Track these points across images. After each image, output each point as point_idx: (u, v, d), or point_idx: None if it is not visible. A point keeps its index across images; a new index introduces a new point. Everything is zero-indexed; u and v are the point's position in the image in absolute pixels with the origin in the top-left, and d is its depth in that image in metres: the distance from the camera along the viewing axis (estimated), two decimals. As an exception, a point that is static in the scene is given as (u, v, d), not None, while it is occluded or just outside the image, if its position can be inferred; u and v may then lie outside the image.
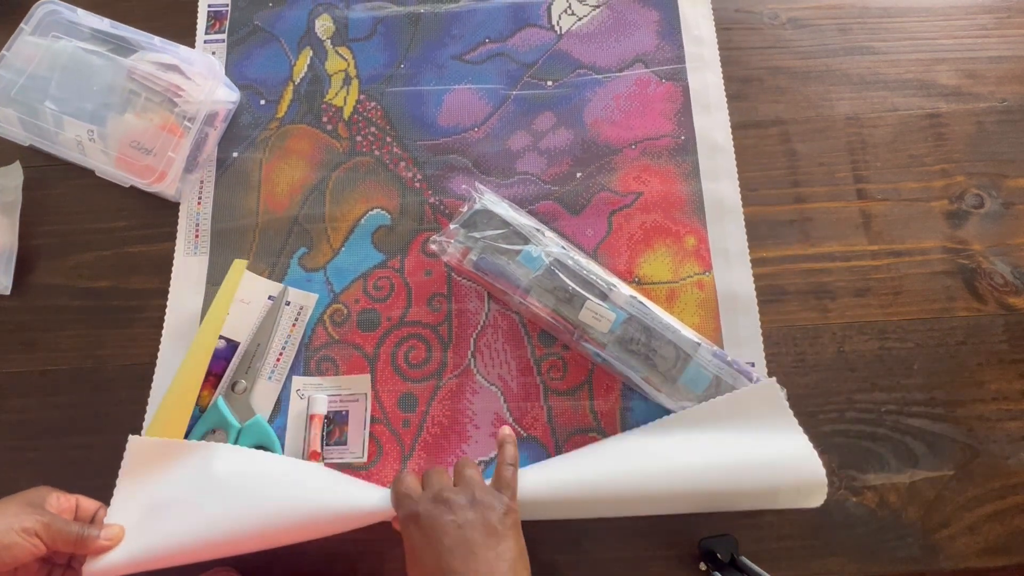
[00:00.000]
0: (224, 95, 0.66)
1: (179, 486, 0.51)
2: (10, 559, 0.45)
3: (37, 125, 0.59)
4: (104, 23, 0.61)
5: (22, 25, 0.60)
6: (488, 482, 0.49)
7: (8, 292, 0.64)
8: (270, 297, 0.62)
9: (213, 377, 0.59)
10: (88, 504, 0.51)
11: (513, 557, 0.44)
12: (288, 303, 0.62)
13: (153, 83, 0.60)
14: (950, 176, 0.64)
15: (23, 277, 0.64)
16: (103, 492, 0.53)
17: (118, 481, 0.52)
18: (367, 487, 0.52)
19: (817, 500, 0.51)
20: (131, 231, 0.65)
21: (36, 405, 0.61)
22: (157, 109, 0.60)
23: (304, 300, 0.62)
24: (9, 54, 0.59)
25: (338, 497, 0.50)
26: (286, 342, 0.61)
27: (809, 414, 0.58)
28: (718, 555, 0.52)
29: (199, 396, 0.59)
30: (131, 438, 0.53)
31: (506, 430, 0.53)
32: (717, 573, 0.52)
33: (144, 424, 0.58)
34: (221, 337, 0.60)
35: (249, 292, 0.62)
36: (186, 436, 0.57)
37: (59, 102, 0.59)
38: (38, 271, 0.65)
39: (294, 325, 0.61)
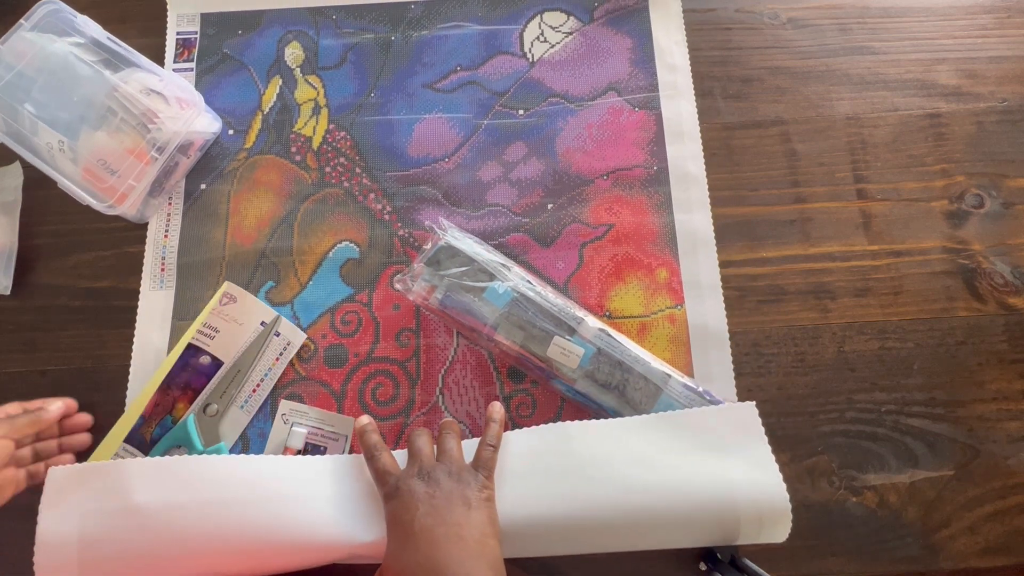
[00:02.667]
0: (204, 125, 0.65)
1: (108, 515, 0.50)
2: None
3: (13, 125, 0.58)
4: (102, 34, 0.61)
5: (22, 21, 0.59)
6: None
7: (8, 292, 0.64)
8: (263, 323, 0.61)
9: (192, 392, 0.59)
10: (14, 407, 0.55)
11: (483, 526, 0.46)
12: (278, 334, 0.60)
13: (132, 105, 0.59)
14: (950, 176, 0.64)
15: (23, 277, 0.64)
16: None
17: (40, 517, 0.50)
18: (331, 466, 0.53)
19: (781, 533, 0.50)
20: (131, 231, 0.65)
21: (36, 405, 0.61)
22: (130, 132, 0.59)
23: (293, 335, 0.61)
24: (3, 48, 0.59)
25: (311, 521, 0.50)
26: (266, 374, 0.60)
27: (809, 414, 0.58)
28: (718, 555, 0.52)
29: (174, 408, 0.58)
30: (51, 470, 0.51)
31: (497, 407, 0.54)
32: (717, 573, 0.52)
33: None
34: (206, 353, 0.60)
35: (243, 313, 0.61)
36: (151, 448, 0.57)
37: (38, 106, 0.58)
38: (38, 271, 0.65)
39: (278, 359, 0.60)
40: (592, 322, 0.56)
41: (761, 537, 0.50)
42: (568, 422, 0.53)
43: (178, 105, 0.61)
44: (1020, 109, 0.66)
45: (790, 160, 0.65)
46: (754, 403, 0.53)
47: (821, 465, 0.57)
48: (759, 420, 0.52)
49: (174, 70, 0.70)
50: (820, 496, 0.56)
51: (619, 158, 0.65)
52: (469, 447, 0.52)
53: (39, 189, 0.66)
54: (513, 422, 0.58)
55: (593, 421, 0.53)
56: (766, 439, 0.51)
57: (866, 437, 0.57)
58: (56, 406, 0.57)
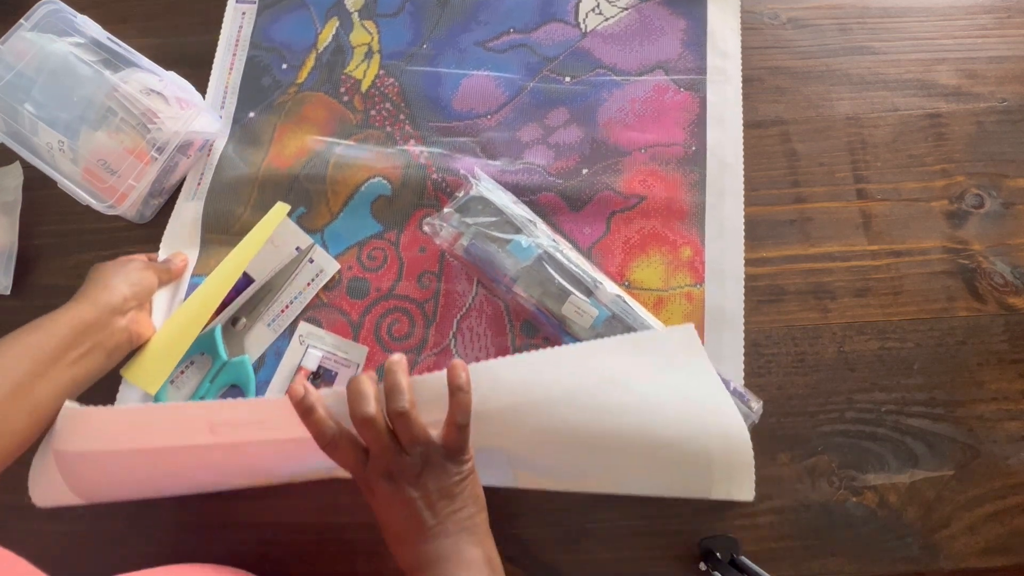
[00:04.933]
0: (204, 125, 0.65)
1: (86, 457, 0.50)
2: (149, 286, 0.58)
3: (13, 125, 0.59)
4: (102, 34, 0.61)
5: (22, 21, 0.59)
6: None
7: (8, 292, 0.64)
8: (297, 248, 0.63)
9: (220, 304, 0.61)
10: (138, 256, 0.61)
11: (469, 513, 0.44)
12: (312, 261, 0.63)
13: (132, 105, 0.59)
14: (950, 176, 0.64)
15: (23, 277, 0.64)
16: (103, 492, 0.53)
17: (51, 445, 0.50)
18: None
19: (747, 490, 0.51)
20: (131, 231, 0.65)
21: (36, 405, 0.61)
22: (130, 132, 0.59)
23: (326, 264, 0.63)
24: (3, 48, 0.59)
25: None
26: (296, 297, 0.62)
27: (809, 414, 0.58)
28: (718, 555, 0.53)
29: None
30: (66, 404, 0.51)
31: (459, 369, 0.44)
32: (717, 573, 0.52)
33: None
34: None
35: (280, 236, 0.64)
36: None
37: (38, 106, 0.58)
38: (38, 271, 0.65)
39: (309, 284, 0.62)
40: (610, 287, 0.57)
41: (731, 490, 0.52)
42: (543, 351, 0.49)
43: (178, 105, 0.62)
44: (1020, 109, 0.66)
45: (790, 160, 0.65)
46: (691, 325, 0.51)
47: (821, 465, 0.57)
48: (699, 340, 0.51)
49: (237, 3, 0.73)
50: (820, 496, 0.56)
51: (659, 134, 0.66)
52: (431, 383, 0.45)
53: (39, 189, 0.66)
54: None
55: (555, 349, 0.49)
56: (708, 362, 0.50)
57: (866, 437, 0.57)
58: (181, 258, 0.62)
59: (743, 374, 0.59)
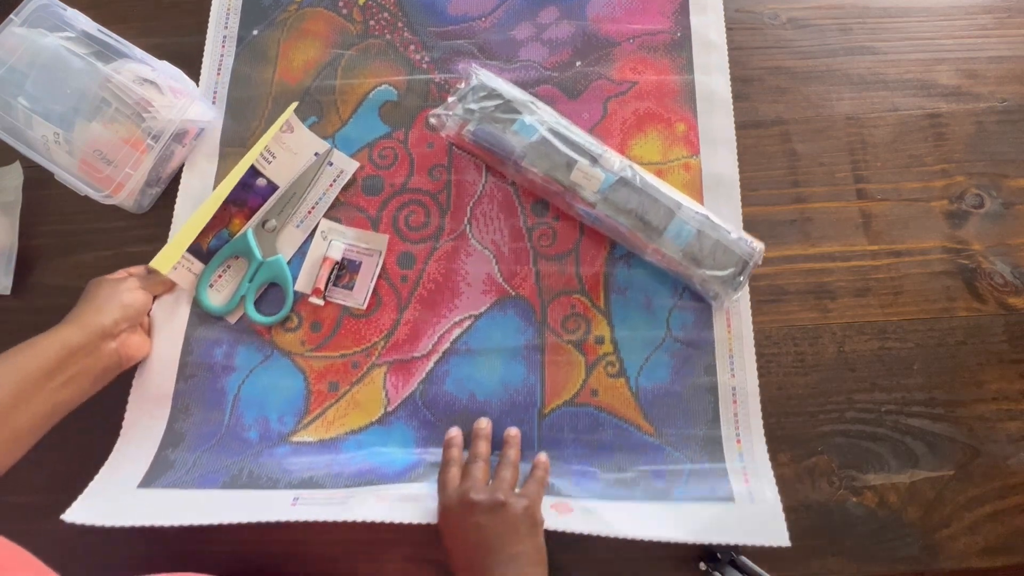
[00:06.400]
0: (198, 113, 0.65)
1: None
2: (142, 307, 0.58)
3: (8, 120, 0.59)
4: (92, 26, 0.61)
5: (12, 16, 0.60)
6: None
7: (8, 292, 0.64)
8: (316, 153, 0.66)
9: (248, 210, 0.64)
10: (138, 268, 0.61)
11: (530, 555, 0.48)
12: (331, 164, 0.66)
13: (125, 95, 0.59)
14: (950, 176, 0.64)
15: (23, 277, 0.64)
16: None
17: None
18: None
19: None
20: (131, 231, 0.65)
21: (36, 405, 0.61)
22: (124, 122, 0.60)
23: (345, 165, 0.66)
24: None
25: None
26: (320, 198, 0.65)
27: (809, 414, 0.58)
28: (718, 555, 0.53)
29: (231, 223, 0.64)
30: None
31: (542, 461, 0.55)
32: (717, 573, 0.52)
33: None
34: (263, 176, 0.65)
35: (298, 144, 0.67)
36: (211, 258, 0.62)
37: (32, 100, 0.59)
38: (38, 271, 0.65)
39: (331, 184, 0.66)
40: (613, 155, 0.60)
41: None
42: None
43: (172, 94, 0.62)
44: (1020, 109, 0.66)
45: (790, 160, 0.65)
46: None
47: (821, 465, 0.57)
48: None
49: None
50: (820, 496, 0.56)
51: (645, 23, 0.70)
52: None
53: (39, 189, 0.66)
54: (534, 250, 0.63)
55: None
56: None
57: (866, 437, 0.57)
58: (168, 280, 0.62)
59: (742, 230, 0.60)
